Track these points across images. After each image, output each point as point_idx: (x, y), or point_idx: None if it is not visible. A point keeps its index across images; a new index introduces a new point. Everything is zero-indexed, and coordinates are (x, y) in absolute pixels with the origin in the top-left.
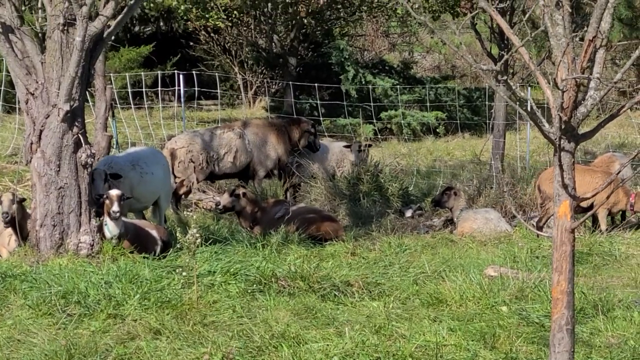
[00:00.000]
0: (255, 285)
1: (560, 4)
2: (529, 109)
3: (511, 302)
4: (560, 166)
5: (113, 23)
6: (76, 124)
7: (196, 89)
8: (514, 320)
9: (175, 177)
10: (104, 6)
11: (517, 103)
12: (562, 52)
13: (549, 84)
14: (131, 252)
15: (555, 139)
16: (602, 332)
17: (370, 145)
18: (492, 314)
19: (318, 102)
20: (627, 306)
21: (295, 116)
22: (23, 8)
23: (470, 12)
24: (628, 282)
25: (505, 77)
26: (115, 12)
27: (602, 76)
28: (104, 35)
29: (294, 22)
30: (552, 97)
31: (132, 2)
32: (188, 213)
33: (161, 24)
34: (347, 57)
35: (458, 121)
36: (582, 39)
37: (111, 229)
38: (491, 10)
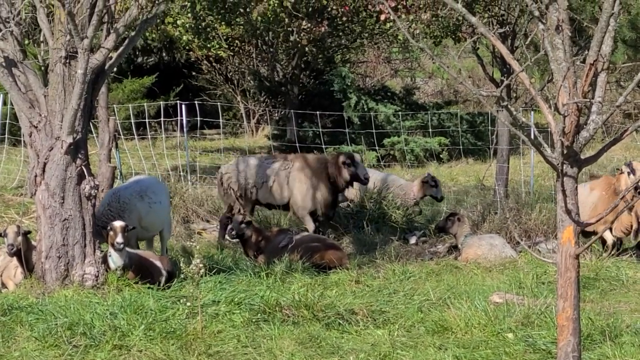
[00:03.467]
0: (259, 315)
1: (561, 28)
2: (532, 134)
3: (517, 329)
4: (563, 191)
5: (114, 55)
6: (79, 156)
7: (199, 118)
8: (520, 347)
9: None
10: (106, 38)
11: (519, 128)
12: (563, 76)
13: (551, 108)
14: (136, 283)
15: (558, 164)
16: (610, 359)
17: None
18: (497, 342)
19: (320, 129)
20: (636, 332)
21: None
22: (26, 42)
23: (471, 37)
24: (636, 308)
25: (505, 103)
26: (116, 44)
27: (606, 99)
28: (106, 67)
29: (295, 50)
30: (553, 122)
31: (133, 34)
32: (191, 243)
33: (164, 54)
34: (349, 84)
35: (461, 146)
36: (584, 62)
37: (115, 260)
38: (490, 36)
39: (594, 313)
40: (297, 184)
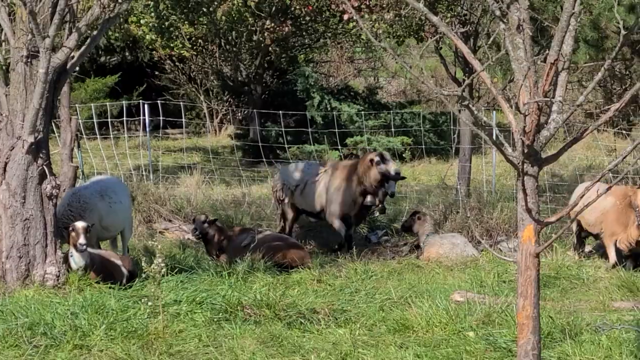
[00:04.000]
0: (221, 314)
1: (521, 28)
2: (493, 133)
3: (478, 328)
4: (524, 190)
5: (76, 54)
6: (41, 155)
7: (161, 118)
8: (480, 346)
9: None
10: (67, 38)
11: (481, 128)
12: (523, 75)
13: (512, 107)
14: (97, 283)
15: (518, 163)
16: (570, 357)
17: None
18: (458, 340)
19: (283, 129)
20: (595, 330)
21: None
22: None
23: (434, 37)
24: (596, 306)
25: (466, 102)
26: (78, 43)
27: (567, 98)
28: (68, 66)
29: (258, 49)
30: (514, 121)
31: (95, 33)
32: (153, 242)
33: (127, 53)
34: (312, 83)
35: (424, 146)
36: (545, 61)
37: (77, 260)
38: (451, 35)
39: (555, 311)
40: (325, 189)
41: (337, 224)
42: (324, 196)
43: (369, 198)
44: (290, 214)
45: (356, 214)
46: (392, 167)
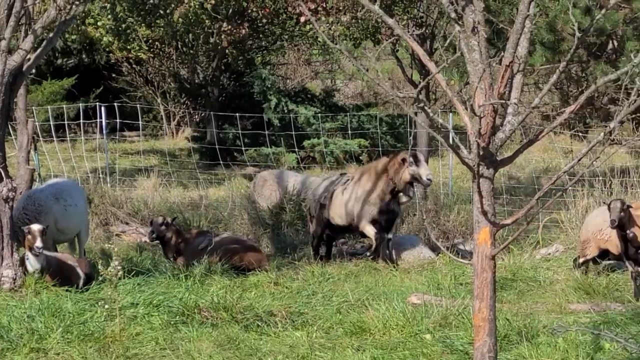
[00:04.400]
0: (178, 317)
1: (477, 30)
2: (450, 135)
3: (435, 330)
4: (480, 192)
5: (32, 56)
6: None
7: (118, 120)
8: (437, 348)
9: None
10: (23, 40)
11: (437, 130)
12: (479, 77)
13: (467, 110)
14: (54, 286)
15: (474, 166)
16: (527, 359)
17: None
18: (415, 343)
19: (240, 131)
20: (552, 332)
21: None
22: None
23: (390, 39)
24: (552, 308)
25: (422, 105)
26: (34, 45)
27: (524, 101)
28: (24, 68)
29: (215, 52)
30: (469, 123)
31: (51, 35)
32: (110, 245)
33: (84, 56)
34: (269, 86)
35: (381, 148)
36: (501, 63)
37: (33, 263)
38: (407, 37)
39: (511, 313)
40: (354, 196)
41: (368, 229)
42: (352, 203)
43: (403, 198)
44: (319, 230)
45: (387, 218)
46: (424, 171)
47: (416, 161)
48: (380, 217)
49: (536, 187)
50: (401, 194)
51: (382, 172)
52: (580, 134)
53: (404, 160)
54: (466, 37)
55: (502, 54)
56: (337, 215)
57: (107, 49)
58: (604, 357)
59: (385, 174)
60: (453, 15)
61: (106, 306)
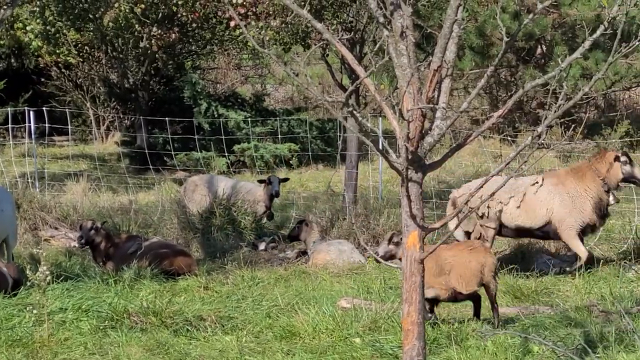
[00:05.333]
0: (107, 322)
1: (405, 35)
2: (379, 140)
3: (364, 334)
4: (408, 197)
5: None
6: None
7: (47, 125)
8: (367, 352)
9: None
10: None
11: (366, 134)
12: (407, 82)
13: (396, 114)
14: None
15: (402, 170)
16: None
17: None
18: (345, 346)
19: (170, 136)
20: (481, 336)
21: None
22: None
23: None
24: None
25: (350, 109)
26: None
27: (453, 105)
28: None
29: (145, 56)
30: (398, 128)
31: None
32: (39, 250)
33: (12, 60)
34: (199, 90)
35: (311, 153)
36: (429, 68)
37: None
38: (335, 42)
39: (440, 317)
40: (556, 199)
41: (574, 241)
42: (554, 209)
43: (611, 198)
44: (491, 232)
45: (598, 222)
46: (638, 172)
47: (629, 160)
48: (595, 224)
49: None
50: (610, 195)
51: (591, 172)
52: (509, 138)
53: (617, 158)
54: (395, 42)
55: (431, 58)
56: (529, 218)
57: (36, 54)
58: None
59: (596, 174)
60: (382, 19)
61: (35, 311)
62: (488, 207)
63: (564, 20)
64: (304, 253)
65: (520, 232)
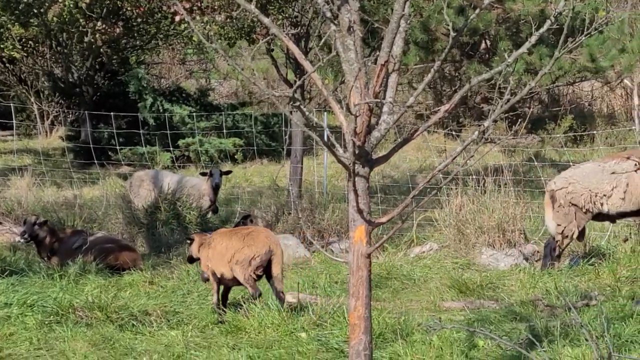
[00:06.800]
0: (52, 317)
1: (352, 30)
2: (325, 135)
3: (310, 329)
4: (355, 191)
5: None
6: None
7: None
8: (313, 346)
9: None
10: None
11: (312, 129)
12: (354, 76)
13: (343, 109)
14: None
15: (349, 164)
16: (402, 357)
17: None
18: (291, 341)
19: (115, 130)
20: (426, 330)
21: None
22: None
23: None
24: (427, 306)
25: (297, 104)
26: None
27: (398, 100)
28: None
29: (90, 51)
30: (345, 122)
31: None
32: None
33: None
34: (145, 85)
35: (255, 147)
36: (376, 63)
37: None
38: (282, 36)
39: (386, 311)
40: None
41: None
42: None
43: None
44: (585, 222)
45: None
46: None
47: None
48: None
49: (411, 185)
50: None
51: None
52: (454, 133)
53: None
54: (342, 37)
55: (378, 53)
56: (634, 204)
57: None
58: (478, 355)
59: None
60: (328, 14)
61: None
62: (593, 202)
63: (508, 16)
64: None
65: (626, 215)
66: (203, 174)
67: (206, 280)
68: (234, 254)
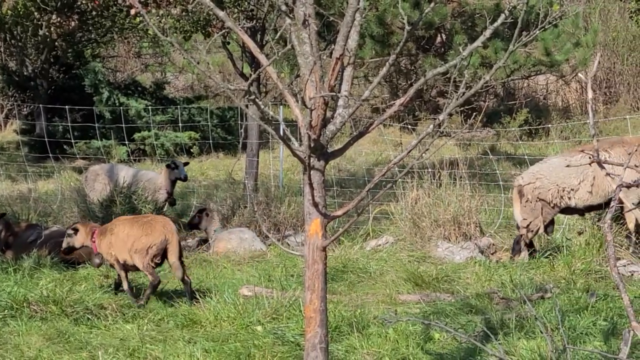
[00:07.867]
0: (6, 311)
1: (307, 23)
2: (281, 128)
3: (266, 322)
4: (310, 184)
5: None
6: None
7: None
8: (269, 339)
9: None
10: None
11: (268, 122)
12: (309, 70)
13: (298, 102)
14: None
15: (305, 158)
16: (358, 350)
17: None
18: (247, 334)
19: (70, 124)
20: (382, 323)
21: None
22: None
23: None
24: (383, 299)
25: (253, 97)
26: None
27: (354, 93)
28: None
29: (44, 44)
30: (300, 116)
31: None
32: None
33: None
34: (100, 79)
35: (211, 141)
36: (331, 56)
37: None
38: (237, 30)
39: (342, 305)
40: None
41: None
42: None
43: None
44: (551, 217)
45: None
46: None
47: None
48: None
49: (366, 179)
50: None
51: None
52: (409, 126)
53: None
54: (297, 30)
55: (333, 46)
56: (597, 197)
57: None
58: (434, 347)
59: None
60: (284, 8)
61: None
62: (561, 197)
63: (464, 9)
64: (204, 241)
65: (593, 209)
66: (168, 166)
67: (98, 265)
68: (133, 243)
